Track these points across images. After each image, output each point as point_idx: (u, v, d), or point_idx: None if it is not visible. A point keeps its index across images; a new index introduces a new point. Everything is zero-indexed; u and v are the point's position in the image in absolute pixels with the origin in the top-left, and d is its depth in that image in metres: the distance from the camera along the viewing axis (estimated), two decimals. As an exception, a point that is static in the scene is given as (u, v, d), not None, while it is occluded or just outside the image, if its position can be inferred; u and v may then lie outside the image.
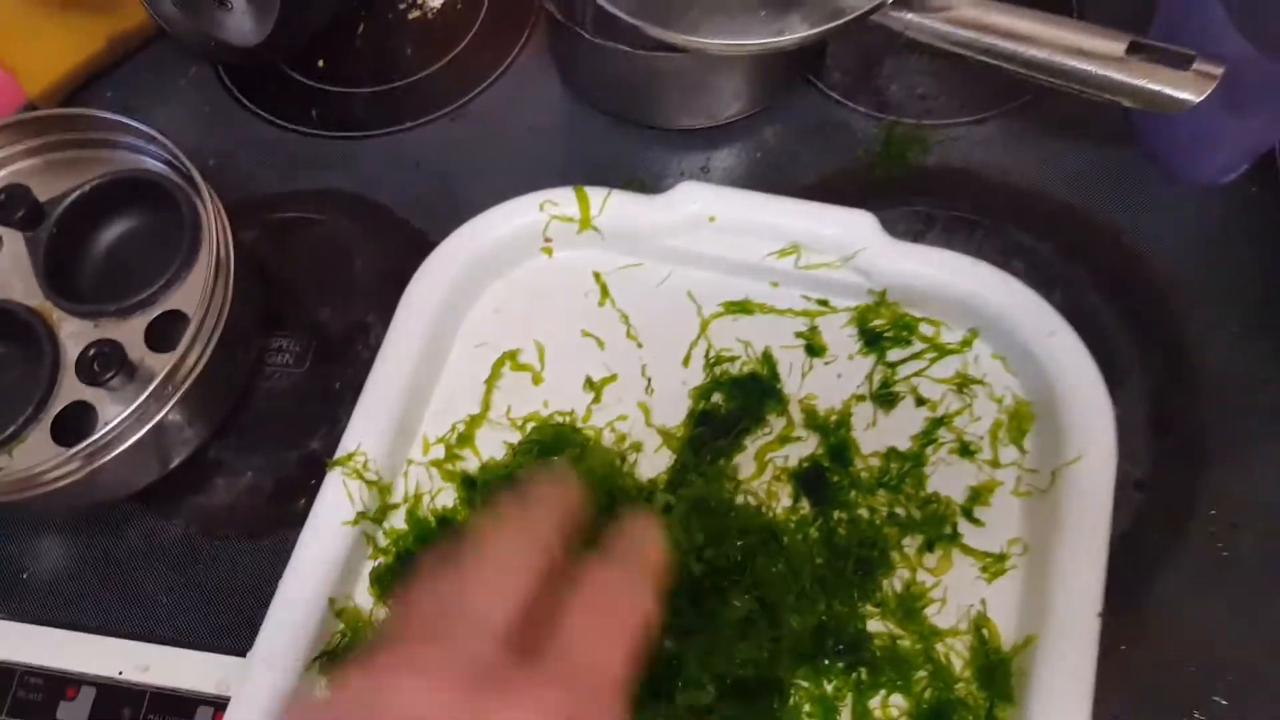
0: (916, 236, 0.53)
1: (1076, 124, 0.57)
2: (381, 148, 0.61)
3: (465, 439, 0.49)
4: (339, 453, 0.46)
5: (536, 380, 0.51)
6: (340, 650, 0.44)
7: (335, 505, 0.45)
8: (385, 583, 0.46)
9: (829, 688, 0.43)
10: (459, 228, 0.51)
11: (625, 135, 0.59)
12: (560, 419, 0.49)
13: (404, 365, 0.48)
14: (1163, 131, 0.55)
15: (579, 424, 0.49)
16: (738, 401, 0.50)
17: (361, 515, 0.45)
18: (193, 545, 0.49)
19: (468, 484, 0.48)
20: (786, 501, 0.47)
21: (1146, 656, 0.45)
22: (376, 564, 0.47)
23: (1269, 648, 0.44)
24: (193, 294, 0.48)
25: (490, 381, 0.51)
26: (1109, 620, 0.42)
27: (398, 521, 0.47)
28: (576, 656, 0.28)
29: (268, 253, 0.57)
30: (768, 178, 0.56)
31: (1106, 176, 0.56)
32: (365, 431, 0.47)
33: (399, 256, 0.55)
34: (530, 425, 0.49)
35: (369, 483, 0.46)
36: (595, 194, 0.52)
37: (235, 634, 0.46)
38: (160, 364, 0.46)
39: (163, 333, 0.48)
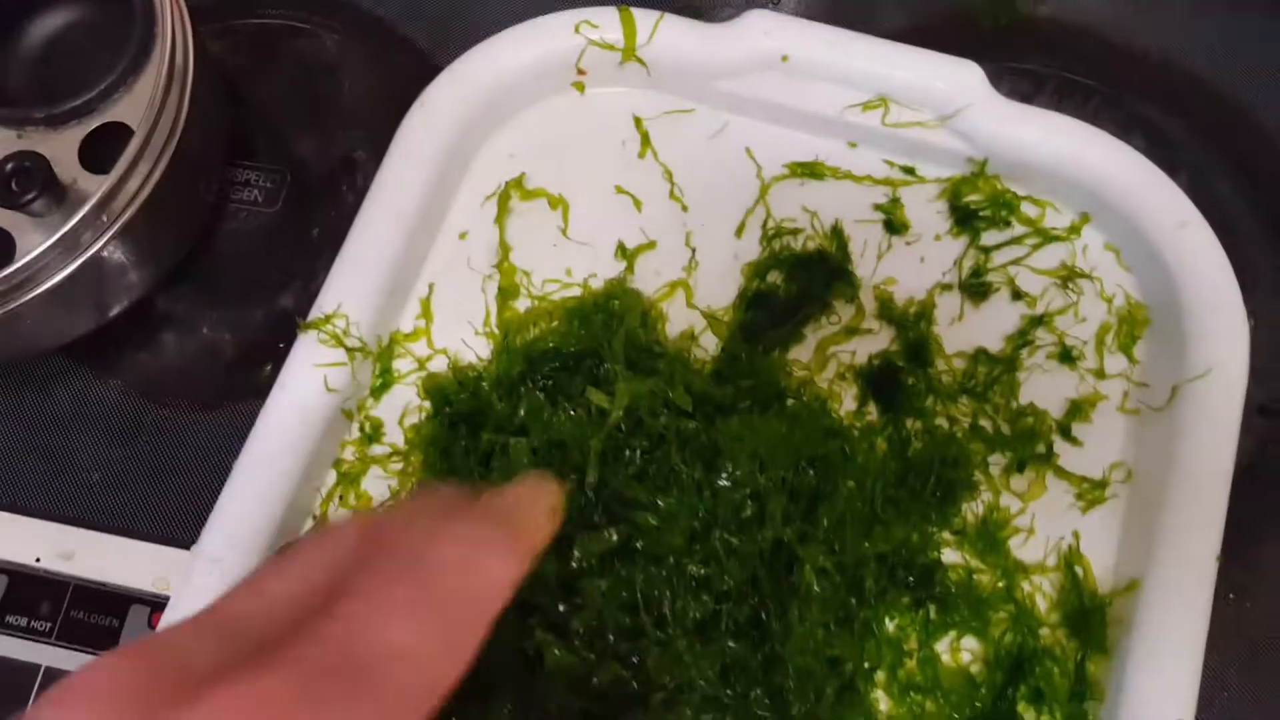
0: (1022, 99, 0.44)
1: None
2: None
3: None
4: (314, 313, 0.38)
5: (565, 230, 0.42)
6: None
7: (308, 375, 0.37)
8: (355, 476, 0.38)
9: (891, 626, 0.36)
10: (471, 49, 0.42)
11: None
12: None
13: (397, 214, 0.39)
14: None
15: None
16: (799, 283, 0.41)
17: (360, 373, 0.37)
18: (133, 413, 0.41)
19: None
20: (851, 405, 0.40)
21: (1260, 609, 0.39)
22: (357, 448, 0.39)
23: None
24: (139, 105, 0.38)
25: (500, 220, 0.41)
26: (1220, 565, 0.35)
27: (384, 410, 0.39)
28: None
29: (239, 66, 0.47)
30: (851, 15, 0.46)
31: (1248, 48, 0.47)
32: (348, 290, 0.38)
33: (397, 82, 0.45)
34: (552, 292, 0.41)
35: (350, 350, 0.38)
36: (644, 17, 0.42)
37: (179, 522, 0.39)
38: (97, 187, 0.36)
39: (103, 150, 0.38)
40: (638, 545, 0.33)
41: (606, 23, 0.42)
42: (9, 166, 0.36)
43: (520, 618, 0.32)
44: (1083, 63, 0.47)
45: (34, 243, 0.35)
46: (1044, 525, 0.38)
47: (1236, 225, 0.44)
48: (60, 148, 0.38)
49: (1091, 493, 0.39)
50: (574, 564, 0.33)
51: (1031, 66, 0.46)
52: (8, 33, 0.42)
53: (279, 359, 0.38)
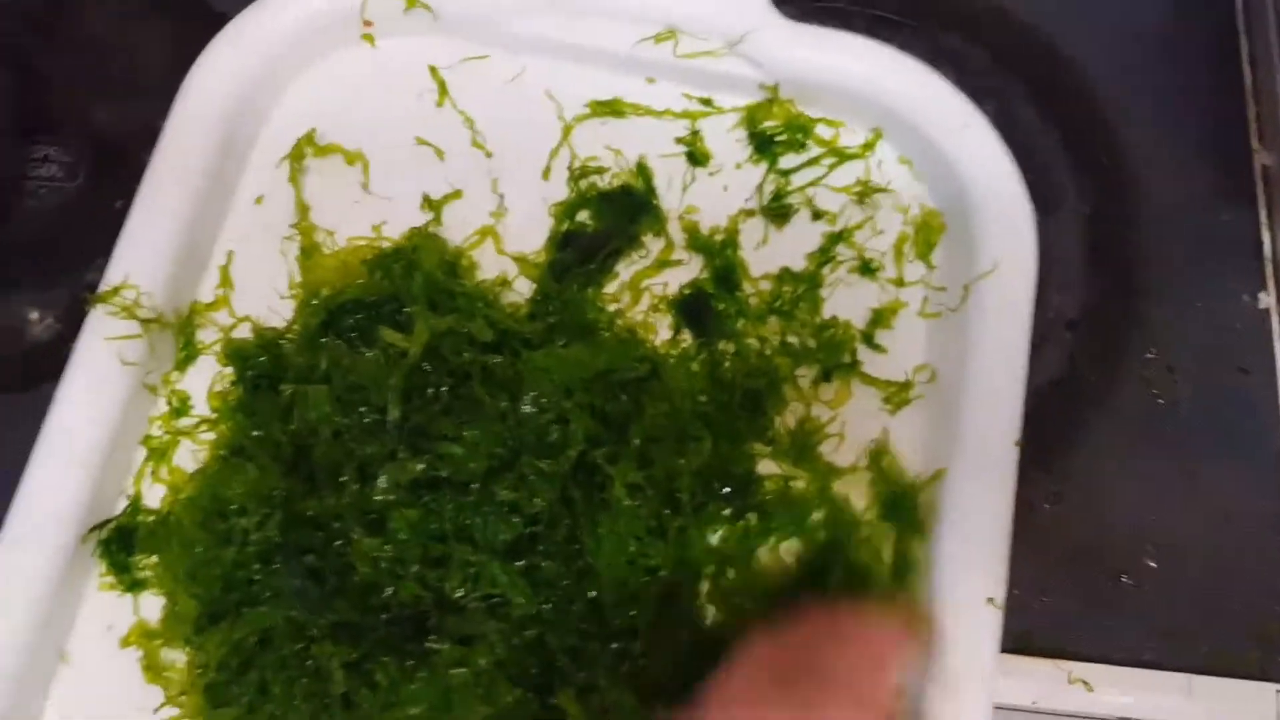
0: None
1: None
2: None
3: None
4: (103, 286, 0.37)
5: (366, 184, 0.42)
6: (123, 525, 0.36)
7: (102, 350, 0.36)
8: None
9: (714, 539, 0.37)
10: (247, 7, 0.41)
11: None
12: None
13: (183, 181, 0.39)
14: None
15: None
16: (608, 220, 0.42)
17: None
18: (-72, 400, 0.40)
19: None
20: (666, 334, 0.40)
21: (1071, 515, 0.41)
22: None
23: (1202, 505, 0.40)
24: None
25: (294, 179, 0.41)
26: (1031, 477, 0.38)
27: (190, 383, 0.38)
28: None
29: (25, 35, 0.46)
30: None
31: None
32: (137, 261, 0.38)
33: (196, 42, 0.44)
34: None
35: (145, 322, 0.37)
36: (425, -39, 0.42)
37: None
38: None
39: None
40: (444, 475, 0.34)
41: (387, -30, 0.42)
42: None
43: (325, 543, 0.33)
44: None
45: None
46: (854, 430, 0.40)
47: (1041, 149, 0.45)
48: None
49: (898, 395, 0.40)
50: (378, 497, 0.33)
51: (839, 4, 0.47)
52: None
53: (83, 338, 0.37)
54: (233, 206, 0.41)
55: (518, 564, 0.33)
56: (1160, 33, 0.47)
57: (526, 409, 0.35)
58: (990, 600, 0.35)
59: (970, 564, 0.36)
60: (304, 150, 0.41)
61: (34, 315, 0.41)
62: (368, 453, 0.34)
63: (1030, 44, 0.47)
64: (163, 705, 0.35)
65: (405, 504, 0.33)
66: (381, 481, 0.33)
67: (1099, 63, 0.47)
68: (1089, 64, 0.47)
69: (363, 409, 0.35)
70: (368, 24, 0.43)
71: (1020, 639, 0.38)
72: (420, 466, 0.33)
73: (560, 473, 0.34)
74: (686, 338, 0.41)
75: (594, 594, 0.34)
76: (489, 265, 0.41)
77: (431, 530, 0.33)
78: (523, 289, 0.41)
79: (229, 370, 0.38)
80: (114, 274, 0.37)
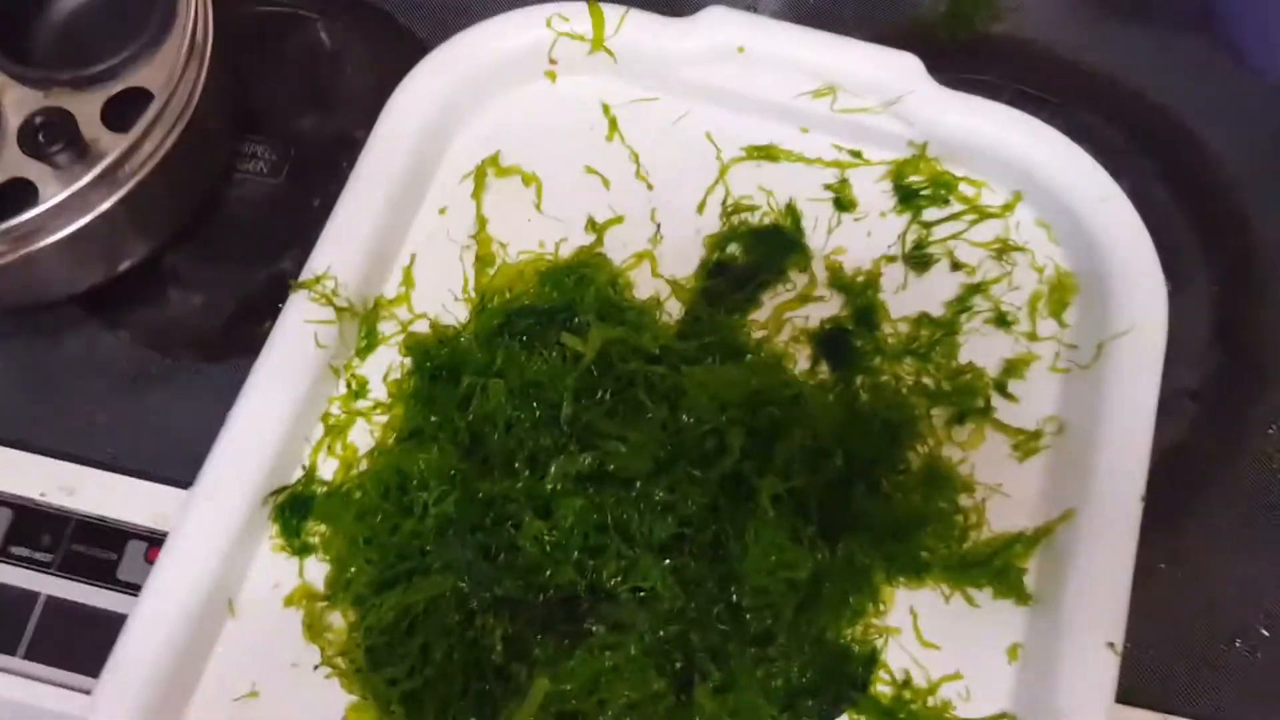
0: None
1: (1159, 4, 0.52)
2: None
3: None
4: (305, 274, 0.41)
5: (538, 205, 0.45)
6: (298, 493, 0.39)
7: (298, 331, 0.40)
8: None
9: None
10: (449, 39, 0.45)
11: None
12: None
13: (380, 188, 0.43)
14: (1249, 17, 0.50)
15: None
16: (757, 254, 0.45)
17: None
18: (139, 362, 0.44)
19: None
20: (805, 365, 0.43)
21: (1186, 579, 0.41)
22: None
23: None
24: (161, 73, 0.41)
25: (477, 194, 0.45)
26: (1149, 537, 0.38)
27: (369, 369, 0.42)
28: None
29: (251, 48, 0.51)
30: (814, 23, 0.50)
31: (1185, 64, 0.51)
32: (336, 254, 0.41)
33: (396, 69, 0.48)
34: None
35: (339, 309, 0.40)
36: (612, 11, 0.46)
37: (179, 464, 0.40)
38: (116, 145, 0.39)
39: (124, 113, 0.41)
40: (609, 469, 0.36)
41: (577, 15, 0.46)
42: (38, 120, 0.40)
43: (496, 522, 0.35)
44: (1033, 76, 0.50)
45: (54, 192, 0.38)
46: (982, 473, 0.41)
47: (1173, 226, 0.47)
48: (85, 108, 0.41)
49: (1028, 443, 0.42)
50: (549, 485, 0.35)
51: (987, 78, 0.49)
52: (39, 2, 0.46)
53: (277, 318, 0.41)
54: (419, 215, 0.45)
55: (667, 561, 0.36)
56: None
57: (685, 419, 0.37)
58: (1110, 645, 0.37)
59: (1092, 609, 0.37)
60: (487, 169, 0.45)
61: (231, 292, 0.45)
62: (540, 444, 0.37)
63: (1167, 126, 0.49)
64: (320, 665, 0.38)
65: (573, 493, 0.36)
66: (553, 471, 0.36)
67: (1232, 147, 0.49)
68: (1222, 147, 0.49)
69: (535, 405, 0.37)
70: (552, 62, 0.47)
71: (1127, 692, 0.39)
72: (589, 460, 0.36)
73: (713, 480, 0.36)
74: (824, 370, 0.43)
75: (735, 597, 0.36)
76: (643, 287, 0.44)
77: (594, 521, 0.35)
78: (673, 310, 0.44)
79: (406, 361, 0.41)
80: (317, 263, 0.41)
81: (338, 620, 0.38)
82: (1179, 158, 0.49)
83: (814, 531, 0.37)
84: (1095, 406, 0.41)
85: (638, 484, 0.36)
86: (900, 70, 0.45)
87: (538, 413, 0.37)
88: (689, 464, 0.37)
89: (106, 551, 0.39)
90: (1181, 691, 0.39)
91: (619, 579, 0.35)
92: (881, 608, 0.39)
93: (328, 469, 0.40)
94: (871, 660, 0.37)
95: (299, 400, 0.39)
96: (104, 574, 0.39)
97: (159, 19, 0.41)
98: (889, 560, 0.39)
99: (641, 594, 0.36)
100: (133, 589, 0.38)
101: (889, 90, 0.45)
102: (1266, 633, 0.41)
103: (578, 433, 0.37)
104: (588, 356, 0.38)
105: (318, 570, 0.39)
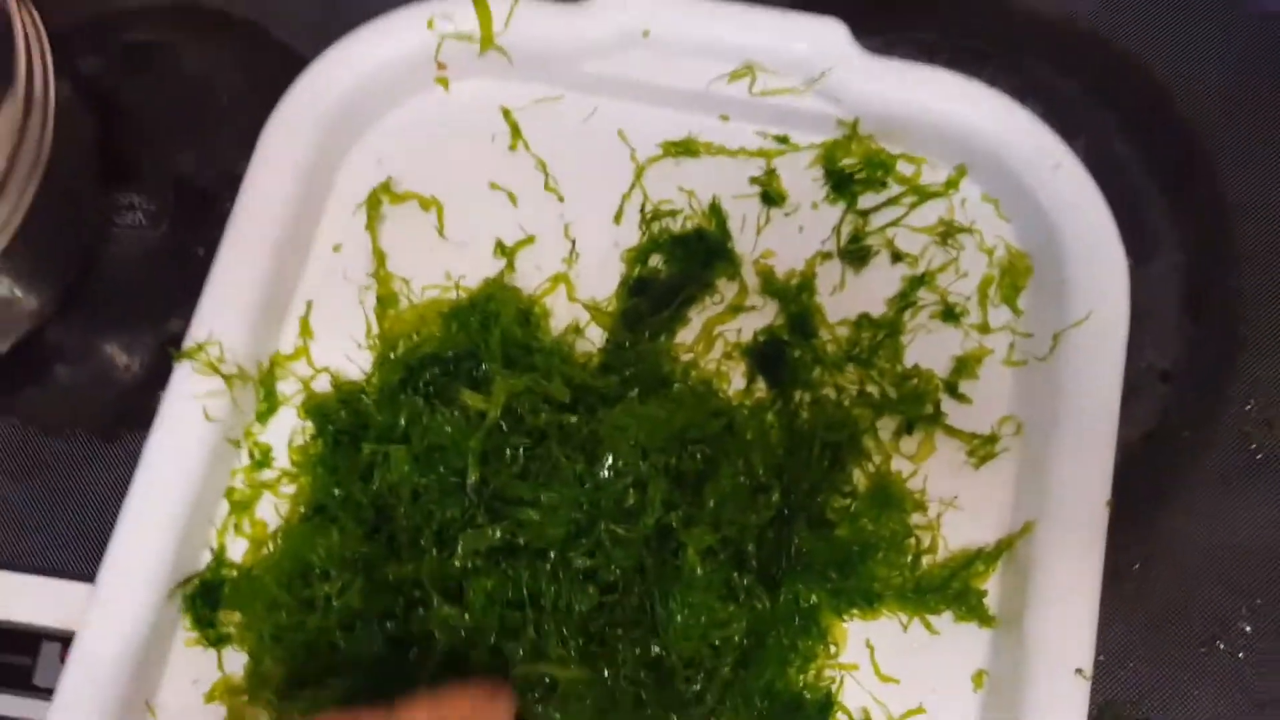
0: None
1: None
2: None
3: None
4: (187, 342, 0.38)
5: (441, 231, 0.42)
6: (208, 579, 0.37)
7: (187, 407, 0.37)
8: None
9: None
10: (321, 55, 0.41)
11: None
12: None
13: (263, 233, 0.39)
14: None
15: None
16: (680, 264, 0.41)
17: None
18: (30, 447, 0.41)
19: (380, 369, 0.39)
20: (740, 383, 0.40)
21: (1162, 576, 0.39)
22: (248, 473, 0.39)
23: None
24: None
25: (371, 227, 0.41)
26: (1119, 536, 0.36)
27: (271, 435, 0.39)
28: None
29: (111, 86, 0.46)
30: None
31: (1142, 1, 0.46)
32: (219, 316, 0.38)
33: (275, 90, 0.44)
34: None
35: (228, 377, 0.37)
36: (499, 4, 0.41)
37: (85, 556, 0.39)
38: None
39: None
40: (521, 542, 0.34)
41: (460, 12, 0.41)
42: None
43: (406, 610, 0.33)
44: (975, 27, 0.45)
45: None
46: (936, 485, 0.39)
47: (1136, 188, 0.43)
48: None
49: (983, 449, 0.39)
50: (458, 563, 0.33)
51: (925, 35, 0.45)
52: None
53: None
54: (311, 255, 0.41)
55: (590, 630, 0.33)
56: (1266, 65, 0.44)
57: (605, 473, 0.34)
58: (1079, 671, 0.34)
59: (1057, 633, 0.35)
60: (379, 198, 0.41)
61: (121, 361, 0.42)
62: (447, 517, 0.34)
63: (1126, 73, 0.45)
64: (246, 760, 0.36)
65: (484, 571, 0.33)
66: (460, 549, 0.33)
67: (1198, 91, 0.44)
68: (1187, 92, 0.44)
69: (442, 469, 0.35)
70: (441, 67, 0.42)
71: (1105, 708, 0.37)
72: (497, 533, 0.33)
73: (637, 539, 0.34)
74: (761, 387, 0.40)
75: (666, 663, 0.33)
76: (562, 312, 0.41)
77: (510, 597, 0.33)
78: (595, 336, 0.41)
79: (310, 423, 0.39)
80: (198, 329, 0.38)
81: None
82: (1140, 106, 0.45)
83: (751, 580, 0.35)
84: (1054, 404, 0.38)
85: (553, 553, 0.33)
86: (823, 40, 0.41)
87: (444, 480, 0.35)
88: (611, 521, 0.34)
89: (20, 656, 0.37)
90: (1161, 703, 0.37)
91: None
92: (834, 648, 0.36)
93: (238, 549, 0.38)
94: (827, 705, 0.36)
95: (196, 480, 0.37)
96: (19, 680, 0.37)
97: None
98: (837, 596, 0.36)
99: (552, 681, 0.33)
100: (51, 695, 0.36)
101: (812, 65, 0.41)
102: (1249, 628, 0.38)
103: (486, 500, 0.34)
104: (491, 415, 0.35)
105: (239, 658, 0.37)
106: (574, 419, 0.36)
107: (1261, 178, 0.43)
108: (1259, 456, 0.40)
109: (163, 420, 0.37)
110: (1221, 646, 0.38)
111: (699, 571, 0.34)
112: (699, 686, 0.33)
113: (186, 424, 0.37)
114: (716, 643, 0.34)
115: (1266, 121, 0.44)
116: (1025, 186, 0.40)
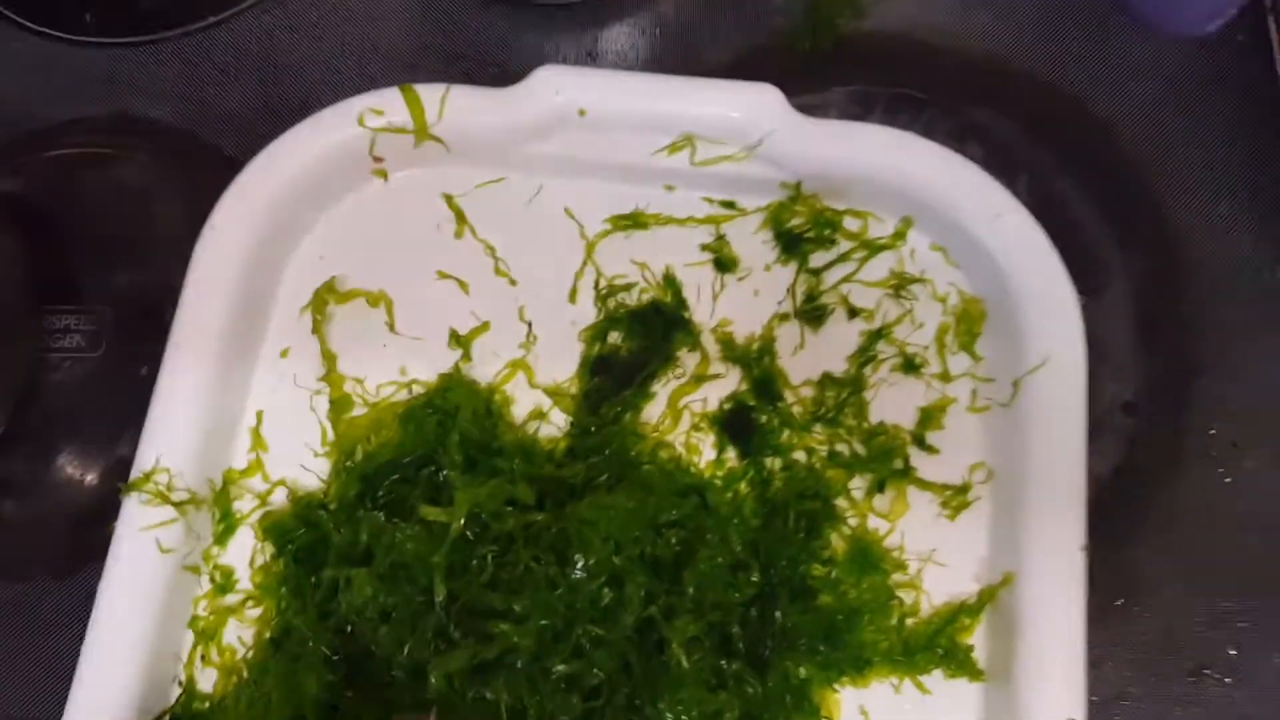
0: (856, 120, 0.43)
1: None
2: (180, 53, 0.48)
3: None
4: (134, 472, 0.36)
5: (392, 325, 0.41)
6: (178, 715, 0.35)
7: (139, 540, 0.36)
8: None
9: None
10: (250, 161, 0.40)
11: (492, 17, 0.47)
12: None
13: (204, 348, 0.38)
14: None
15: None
16: (639, 339, 0.41)
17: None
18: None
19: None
20: (710, 454, 0.39)
21: (1145, 609, 0.39)
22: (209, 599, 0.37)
23: (1281, 584, 0.39)
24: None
25: (318, 330, 0.40)
26: (1102, 573, 0.36)
27: (232, 555, 0.37)
28: None
29: (41, 203, 0.45)
30: (669, 59, 0.46)
31: (1073, 35, 0.46)
32: (166, 439, 0.37)
33: (210, 195, 0.43)
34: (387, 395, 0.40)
35: (179, 505, 0.36)
36: (430, 93, 0.41)
37: (47, 703, 0.37)
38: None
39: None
40: (493, 656, 0.33)
41: (391, 105, 0.40)
42: None
43: None
44: (910, 74, 0.46)
45: None
46: (914, 540, 0.39)
47: (1081, 223, 0.44)
48: None
49: (956, 499, 0.39)
50: (432, 684, 0.32)
51: (860, 87, 0.45)
52: None
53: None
54: (259, 364, 0.40)
55: None
56: (1198, 90, 0.45)
57: (577, 574, 0.33)
58: (1072, 720, 0.34)
59: (1048, 685, 0.35)
60: (325, 299, 0.40)
61: (71, 492, 0.41)
62: (416, 639, 0.33)
63: (1062, 109, 0.45)
64: None
65: (459, 691, 0.32)
66: (432, 678, 0.32)
67: (1134, 121, 0.45)
68: (1124, 123, 0.45)
69: (408, 589, 0.34)
70: (378, 159, 0.41)
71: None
72: (469, 654, 0.32)
73: (618, 638, 0.33)
74: (731, 456, 0.39)
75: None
76: (524, 398, 0.40)
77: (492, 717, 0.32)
78: (559, 419, 0.40)
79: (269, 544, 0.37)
80: (145, 455, 0.36)
81: None
82: (1078, 140, 0.45)
83: (739, 665, 0.34)
84: (1021, 450, 0.38)
85: (531, 664, 0.32)
86: (758, 107, 0.41)
87: (411, 600, 0.33)
88: (588, 623, 0.33)
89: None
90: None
91: None
92: (827, 720, 0.36)
93: (208, 679, 0.36)
94: (827, 778, 0.35)
95: (157, 615, 0.36)
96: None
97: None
98: (827, 667, 0.36)
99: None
100: None
101: (749, 132, 0.41)
102: (1234, 652, 0.39)
103: (456, 616, 0.33)
104: (454, 527, 0.34)
105: (218, 795, 0.35)
106: (541, 517, 0.35)
107: (1202, 199, 0.44)
108: (1228, 480, 0.40)
109: (116, 557, 0.36)
110: (1210, 674, 0.38)
111: (685, 664, 0.33)
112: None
113: (141, 558, 0.36)
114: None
115: (1200, 142, 0.44)
116: (971, 235, 0.40)
